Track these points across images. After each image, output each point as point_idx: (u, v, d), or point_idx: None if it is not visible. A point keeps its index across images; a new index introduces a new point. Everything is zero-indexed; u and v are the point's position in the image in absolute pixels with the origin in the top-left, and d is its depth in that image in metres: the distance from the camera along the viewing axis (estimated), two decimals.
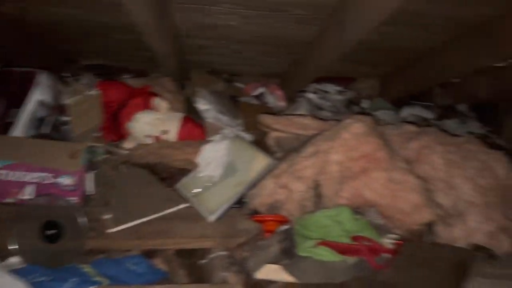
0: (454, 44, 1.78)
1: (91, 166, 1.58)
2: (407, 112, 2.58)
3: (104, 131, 1.82)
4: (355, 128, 1.37)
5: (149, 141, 1.75)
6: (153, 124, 1.73)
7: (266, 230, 1.45)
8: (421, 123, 2.45)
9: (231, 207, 1.51)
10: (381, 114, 2.46)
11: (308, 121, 1.61)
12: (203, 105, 2.09)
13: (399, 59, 2.24)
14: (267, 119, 1.63)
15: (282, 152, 1.60)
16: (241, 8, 1.62)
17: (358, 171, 1.40)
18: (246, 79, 2.83)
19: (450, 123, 2.42)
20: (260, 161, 1.56)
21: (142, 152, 1.71)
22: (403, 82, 2.44)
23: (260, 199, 1.54)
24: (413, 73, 2.29)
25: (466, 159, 1.45)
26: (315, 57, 1.91)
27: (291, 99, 2.66)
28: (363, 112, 2.55)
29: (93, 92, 1.75)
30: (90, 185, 1.55)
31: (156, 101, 1.73)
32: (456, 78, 2.30)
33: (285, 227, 1.42)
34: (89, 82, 2.09)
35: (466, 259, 1.21)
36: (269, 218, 1.48)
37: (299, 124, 1.61)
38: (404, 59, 2.21)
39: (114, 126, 1.81)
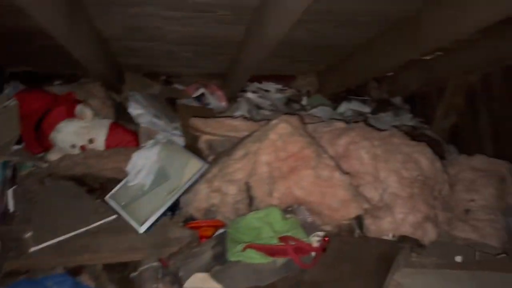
0: (380, 40, 1.83)
1: (9, 181, 1.48)
2: (344, 107, 2.64)
3: (27, 144, 1.71)
4: (280, 129, 1.37)
5: (75, 151, 1.67)
6: (78, 133, 1.65)
7: (203, 236, 1.42)
8: (357, 117, 2.52)
9: (163, 216, 1.47)
10: (319, 110, 2.50)
11: (238, 122, 1.60)
12: (136, 109, 2.03)
13: (332, 56, 2.29)
14: (197, 122, 1.60)
15: (214, 155, 1.58)
16: (163, 9, 1.58)
17: (287, 171, 1.40)
18: (187, 80, 2.79)
19: (385, 116, 2.50)
20: (192, 166, 1.53)
21: (68, 164, 1.63)
22: (338, 78, 2.50)
23: (195, 205, 1.51)
24: (346, 69, 2.34)
25: (390, 152, 1.49)
26: (245, 56, 1.91)
27: (232, 99, 2.65)
28: (302, 109, 2.60)
29: (11, 103, 1.64)
30: (9, 202, 1.46)
31: (79, 109, 1.65)
32: (387, 72, 2.38)
33: (220, 231, 1.41)
34: (13, 91, 1.97)
35: (392, 251, 1.24)
36: (204, 224, 1.45)
37: (229, 126, 1.59)
38: (337, 55, 2.26)
39: (37, 138, 1.71)
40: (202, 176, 1.51)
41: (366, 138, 1.54)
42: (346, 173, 1.42)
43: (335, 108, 2.65)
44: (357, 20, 1.69)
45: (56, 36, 1.43)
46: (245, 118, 1.75)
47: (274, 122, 1.41)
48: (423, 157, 1.50)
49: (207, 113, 2.41)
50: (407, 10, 1.56)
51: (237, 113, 2.35)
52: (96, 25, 1.68)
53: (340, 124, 1.66)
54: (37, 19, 1.28)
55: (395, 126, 2.26)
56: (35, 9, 1.21)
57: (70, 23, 1.39)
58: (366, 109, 2.64)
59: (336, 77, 2.51)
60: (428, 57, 2.21)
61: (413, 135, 2.02)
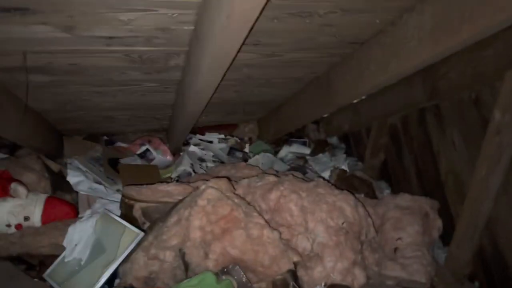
0: (301, 95, 2.00)
1: None
2: (285, 150, 2.75)
3: None
4: (207, 195, 1.44)
5: (11, 230, 1.66)
6: (12, 212, 1.64)
7: None
8: (297, 160, 2.65)
9: None
10: (261, 157, 2.59)
11: (171, 187, 1.65)
12: (74, 177, 2.03)
13: (265, 108, 2.46)
14: (130, 191, 1.64)
15: (150, 223, 1.62)
16: (90, 86, 1.66)
17: (220, 233, 1.46)
18: (130, 137, 2.84)
19: (323, 157, 2.63)
20: (128, 235, 1.56)
21: (3, 244, 1.61)
22: (276, 124, 2.63)
23: (134, 274, 1.52)
24: (281, 117, 2.49)
25: (316, 203, 1.58)
26: (179, 119, 2.00)
27: (177, 151, 2.72)
28: (245, 157, 2.70)
29: None
30: None
31: (13, 187, 1.66)
32: (315, 119, 2.54)
33: None
34: None
35: None
36: None
37: (163, 192, 1.64)
38: (269, 108, 2.43)
39: None
40: (138, 244, 1.54)
41: (294, 191, 1.64)
42: (275, 229, 1.49)
43: (276, 152, 2.78)
44: (275, 82, 1.86)
45: None
46: (179, 181, 1.81)
47: (202, 188, 1.47)
48: (347, 204, 1.60)
49: (151, 171, 2.47)
50: (315, 72, 1.74)
51: (180, 168, 2.42)
52: (25, 103, 1.72)
53: (271, 178, 1.75)
54: None
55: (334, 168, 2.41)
56: None
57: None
58: (306, 151, 2.77)
59: (273, 124, 2.64)
60: (355, 101, 2.40)
61: (343, 178, 2.17)
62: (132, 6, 1.06)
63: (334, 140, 2.83)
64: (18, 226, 1.67)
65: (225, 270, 1.46)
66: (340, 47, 1.52)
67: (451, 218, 1.81)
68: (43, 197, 1.74)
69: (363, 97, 2.19)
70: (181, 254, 1.46)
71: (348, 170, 2.33)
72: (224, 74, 1.36)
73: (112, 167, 2.36)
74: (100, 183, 2.10)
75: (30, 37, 1.17)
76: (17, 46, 1.23)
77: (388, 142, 2.29)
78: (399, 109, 2.10)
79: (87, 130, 2.56)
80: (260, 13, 0.92)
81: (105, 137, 2.70)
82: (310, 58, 1.62)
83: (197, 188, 1.53)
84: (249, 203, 1.58)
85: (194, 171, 2.39)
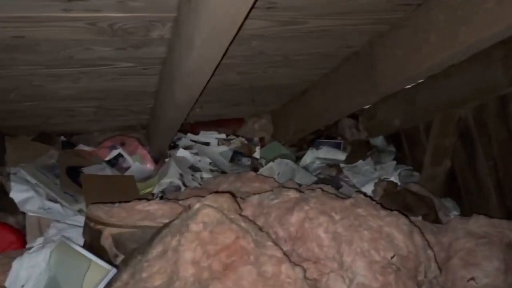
0: (331, 79, 2.01)
1: None
2: (311, 156, 2.77)
3: None
4: (203, 217, 1.44)
5: None
6: None
7: None
8: (328, 170, 2.65)
9: None
10: (277, 164, 2.60)
11: (154, 206, 1.67)
12: (20, 193, 2.07)
13: (281, 95, 2.48)
14: (97, 212, 1.65)
15: (124, 255, 1.64)
16: (43, 67, 1.69)
17: (220, 269, 1.47)
18: (96, 137, 2.87)
19: (364, 165, 2.63)
20: (94, 273, 1.57)
21: None
22: (297, 119, 2.64)
23: None
24: (304, 109, 2.50)
25: (356, 228, 1.59)
26: (166, 108, 2.01)
27: (162, 157, 2.73)
28: (254, 165, 2.71)
29: None
30: None
31: None
32: (351, 111, 2.54)
33: None
34: None
35: None
36: None
37: (142, 212, 1.66)
38: (287, 95, 2.45)
39: None
40: (109, 285, 1.56)
41: (324, 212, 1.64)
42: (297, 264, 1.50)
43: (298, 159, 2.79)
44: (295, 60, 1.89)
45: None
46: (164, 198, 1.82)
47: (195, 207, 1.48)
48: (398, 231, 1.60)
49: (125, 184, 2.49)
50: (352, 46, 1.76)
51: (165, 180, 2.44)
52: None
53: (292, 194, 1.76)
54: None
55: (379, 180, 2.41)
56: None
57: None
58: (340, 156, 2.77)
59: (294, 119, 2.65)
60: (408, 86, 2.39)
61: (393, 194, 2.17)
62: None
63: (379, 141, 2.83)
64: None
65: None
66: (388, 10, 1.52)
67: None
68: None
69: (420, 81, 2.19)
70: None
71: (399, 183, 2.33)
72: (227, 49, 1.37)
73: (71, 179, 2.39)
74: (55, 201, 2.13)
75: None
76: None
77: (456, 143, 2.28)
78: (471, 97, 2.10)
79: (38, 128, 2.60)
80: None
81: (63, 138, 2.73)
82: (345, 27, 1.63)
83: (189, 207, 1.54)
84: (261, 229, 1.58)
85: (184, 184, 2.42)
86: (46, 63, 1.68)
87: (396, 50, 1.63)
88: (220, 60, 1.47)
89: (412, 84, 2.25)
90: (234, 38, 1.30)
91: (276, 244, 1.54)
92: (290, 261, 1.50)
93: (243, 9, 1.09)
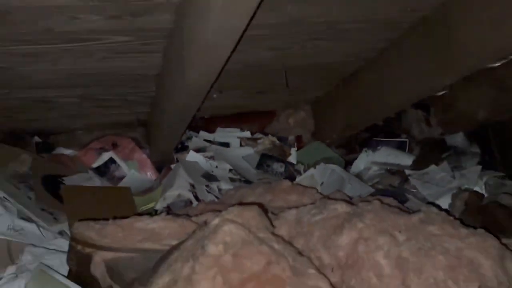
0: (393, 56, 2.02)
1: None
2: (365, 160, 2.77)
3: None
4: (225, 236, 1.46)
5: None
6: None
7: None
8: (390, 177, 2.66)
9: None
10: (320, 170, 2.62)
11: (158, 223, 1.70)
12: None
13: (326, 79, 2.47)
14: (85, 231, 1.70)
15: None
16: (14, 43, 1.73)
17: None
18: (81, 137, 2.92)
19: (437, 171, 2.62)
20: None
21: None
22: (346, 111, 2.65)
23: None
24: (356, 97, 2.50)
25: (427, 253, 1.59)
26: (173, 95, 2.04)
27: (166, 163, 2.77)
28: (290, 174, 2.72)
29: None
30: None
31: None
32: (420, 98, 2.54)
33: None
34: None
35: None
36: None
37: (143, 231, 1.69)
38: (334, 78, 2.45)
39: None
40: None
41: (384, 230, 1.65)
42: None
43: (349, 163, 2.79)
44: (344, 29, 1.91)
45: None
46: (171, 213, 1.83)
47: (214, 223, 1.51)
48: (484, 256, 1.60)
49: (118, 198, 2.53)
50: (419, 9, 1.78)
51: (171, 193, 2.46)
52: None
53: (341, 208, 1.77)
54: None
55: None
56: None
57: None
58: (405, 160, 2.77)
59: (342, 111, 2.65)
60: (496, 64, 2.38)
61: (478, 208, 2.16)
62: None
63: (458, 139, 2.82)
64: None
65: None
66: None
67: None
68: None
69: None
70: None
71: (486, 194, 2.32)
72: (253, 15, 1.39)
73: (49, 191, 2.44)
74: (29, 220, 2.17)
75: None
76: None
77: None
78: None
79: (5, 126, 2.65)
80: None
81: (37, 139, 2.78)
82: None
83: (205, 224, 1.56)
84: (300, 253, 1.60)
85: (196, 197, 2.44)
86: (18, 38, 1.71)
87: (480, 13, 1.62)
88: (245, 31, 1.48)
89: (503, 62, 2.25)
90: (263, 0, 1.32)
91: (320, 272, 1.55)
92: None
93: None
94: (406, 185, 2.58)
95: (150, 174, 2.75)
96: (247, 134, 2.88)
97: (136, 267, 1.68)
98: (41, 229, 2.15)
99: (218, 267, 1.49)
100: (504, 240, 1.78)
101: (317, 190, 2.22)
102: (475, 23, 1.69)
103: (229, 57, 1.65)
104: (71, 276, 1.73)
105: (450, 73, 1.90)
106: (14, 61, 1.91)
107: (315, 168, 2.64)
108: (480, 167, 2.63)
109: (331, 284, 1.52)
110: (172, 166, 2.68)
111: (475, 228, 1.68)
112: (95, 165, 2.73)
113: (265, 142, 2.86)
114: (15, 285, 1.70)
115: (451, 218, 1.72)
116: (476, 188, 2.40)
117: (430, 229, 1.64)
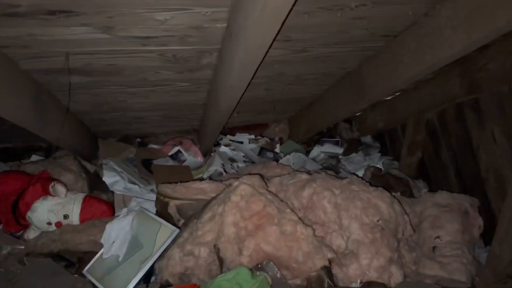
0: (332, 92, 2.04)
1: None
2: (317, 150, 2.78)
3: (5, 224, 1.81)
4: (241, 191, 1.49)
5: (52, 228, 1.77)
6: (53, 210, 1.75)
7: None
8: (330, 160, 2.67)
9: (139, 284, 1.56)
10: (292, 156, 2.63)
11: (205, 185, 1.72)
12: (110, 177, 2.14)
13: (294, 106, 2.50)
14: (165, 189, 1.72)
15: (184, 220, 1.69)
16: (125, 87, 1.75)
17: (253, 228, 1.51)
18: (162, 138, 2.94)
19: (356, 156, 2.64)
20: (163, 232, 1.63)
21: (45, 241, 1.72)
22: (306, 123, 2.66)
23: (169, 270, 1.59)
24: (311, 116, 2.52)
25: (350, 200, 1.61)
26: (209, 119, 2.07)
27: (208, 152, 2.79)
28: (276, 157, 2.74)
29: None
30: None
31: (53, 186, 1.77)
32: (347, 116, 2.55)
33: None
34: None
35: None
36: None
37: (196, 189, 1.71)
38: (299, 106, 2.48)
39: (15, 218, 1.81)
40: (174, 241, 1.61)
41: (327, 188, 1.67)
42: (309, 225, 1.53)
43: (308, 152, 2.81)
44: (306, 78, 1.91)
45: (24, 127, 1.58)
46: (211, 179, 1.87)
47: (235, 184, 1.53)
48: (382, 201, 1.62)
49: (183, 171, 2.55)
50: (346, 67, 1.77)
51: (211, 168, 2.49)
52: (64, 105, 1.84)
53: (304, 176, 1.78)
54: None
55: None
56: None
57: (35, 112, 1.54)
58: (338, 150, 2.79)
59: (304, 123, 2.67)
60: (388, 97, 2.40)
61: (378, 176, 2.17)
62: (169, 6, 1.13)
63: (368, 139, 2.83)
64: (58, 224, 1.77)
65: (259, 266, 1.50)
66: (372, 40, 1.55)
67: (492, 216, 1.80)
68: (81, 196, 1.85)
69: (398, 93, 2.20)
70: (216, 250, 1.51)
71: (383, 169, 2.34)
72: (256, 71, 1.41)
73: (145, 168, 2.46)
74: (134, 183, 2.20)
75: (71, 39, 1.26)
76: (59, 48, 1.33)
77: (425, 139, 2.28)
78: (436, 104, 2.10)
79: (120, 132, 2.67)
80: (291, 8, 0.97)
81: (138, 139, 2.81)
82: (342, 53, 1.65)
83: (230, 185, 1.58)
84: (282, 200, 1.62)
85: (225, 171, 2.45)
86: (128, 84, 1.75)
87: (379, 69, 1.65)
88: (251, 79, 1.50)
89: (391, 96, 2.28)
90: (261, 63, 1.34)
91: (293, 211, 1.57)
92: (303, 223, 1.54)
93: (269, 38, 1.12)
94: (339, 164, 2.59)
95: (200, 159, 2.75)
96: (252, 136, 2.89)
97: (193, 208, 1.70)
98: (141, 188, 2.18)
99: (237, 208, 1.51)
100: (393, 193, 1.80)
101: (291, 167, 2.23)
102: (377, 74, 1.71)
103: (242, 94, 1.67)
104: (157, 213, 1.75)
105: (362, 103, 1.91)
106: (125, 96, 1.93)
107: (289, 155, 2.65)
108: (379, 154, 2.65)
109: (299, 217, 1.54)
110: (212, 154, 2.68)
111: (377, 187, 1.69)
112: (170, 153, 2.73)
113: (262, 141, 2.86)
114: (127, 218, 1.73)
115: (364, 181, 1.74)
116: (378, 166, 2.41)
117: (353, 187, 1.66)
